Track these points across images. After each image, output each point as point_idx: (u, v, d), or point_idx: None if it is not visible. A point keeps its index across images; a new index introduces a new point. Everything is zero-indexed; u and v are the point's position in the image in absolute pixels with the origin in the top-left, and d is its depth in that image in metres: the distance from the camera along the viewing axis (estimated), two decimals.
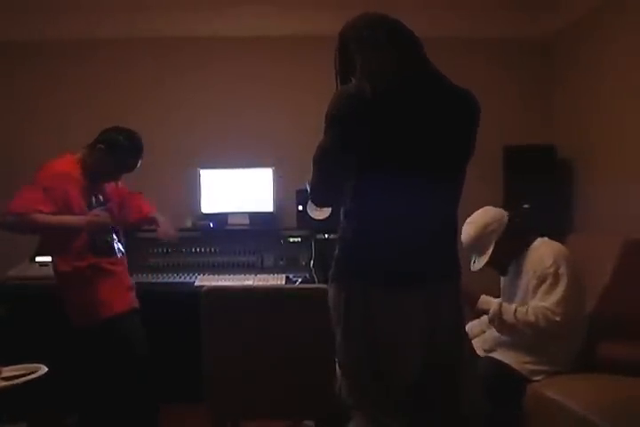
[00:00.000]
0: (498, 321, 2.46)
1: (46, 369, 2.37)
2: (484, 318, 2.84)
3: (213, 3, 3.92)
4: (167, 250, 3.74)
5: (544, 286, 2.42)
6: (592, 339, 2.56)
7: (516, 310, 2.42)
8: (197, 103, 4.13)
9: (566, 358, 2.50)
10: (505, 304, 2.48)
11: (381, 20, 1.82)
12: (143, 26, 4.03)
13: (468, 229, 2.60)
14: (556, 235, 2.68)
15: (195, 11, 3.99)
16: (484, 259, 2.57)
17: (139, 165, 2.78)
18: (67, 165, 2.67)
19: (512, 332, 2.48)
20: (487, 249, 2.56)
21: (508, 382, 2.42)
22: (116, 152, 2.66)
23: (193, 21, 4.04)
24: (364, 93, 1.68)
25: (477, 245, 2.58)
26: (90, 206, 2.72)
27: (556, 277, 2.41)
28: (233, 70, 4.14)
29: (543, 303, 2.39)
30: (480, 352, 2.58)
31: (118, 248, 2.83)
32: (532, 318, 2.37)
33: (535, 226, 2.69)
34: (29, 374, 2.34)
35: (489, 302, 2.51)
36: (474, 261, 2.62)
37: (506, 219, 2.59)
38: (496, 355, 2.56)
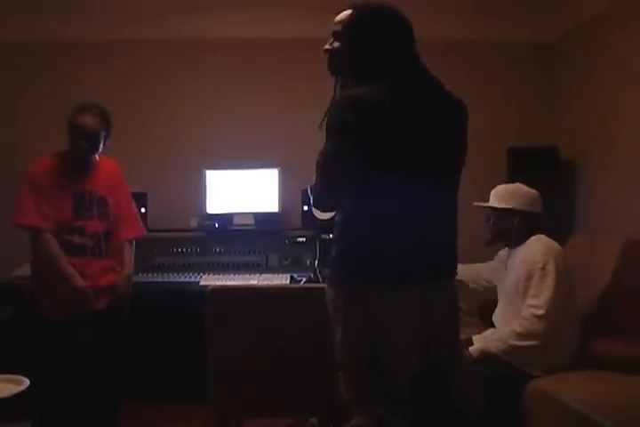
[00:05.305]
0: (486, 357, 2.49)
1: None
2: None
3: (220, 5, 3.94)
4: (172, 250, 3.78)
5: (532, 281, 2.48)
6: (592, 337, 2.58)
7: (500, 338, 2.47)
8: (203, 104, 4.15)
9: (564, 353, 2.53)
10: (488, 342, 2.51)
11: (384, 24, 1.81)
12: (152, 29, 4.06)
13: (515, 185, 2.73)
14: (559, 235, 2.70)
15: (202, 13, 4.00)
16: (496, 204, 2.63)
17: (93, 124, 2.66)
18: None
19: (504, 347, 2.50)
20: (504, 205, 2.61)
21: (507, 379, 2.43)
22: (69, 117, 2.67)
23: (200, 24, 4.06)
24: (368, 100, 1.69)
25: (507, 195, 2.65)
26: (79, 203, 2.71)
27: (544, 272, 2.47)
28: (239, 71, 4.15)
29: (529, 301, 2.45)
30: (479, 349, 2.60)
31: None
32: (517, 328, 2.44)
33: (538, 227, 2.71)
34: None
35: (478, 340, 2.56)
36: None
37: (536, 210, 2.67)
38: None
